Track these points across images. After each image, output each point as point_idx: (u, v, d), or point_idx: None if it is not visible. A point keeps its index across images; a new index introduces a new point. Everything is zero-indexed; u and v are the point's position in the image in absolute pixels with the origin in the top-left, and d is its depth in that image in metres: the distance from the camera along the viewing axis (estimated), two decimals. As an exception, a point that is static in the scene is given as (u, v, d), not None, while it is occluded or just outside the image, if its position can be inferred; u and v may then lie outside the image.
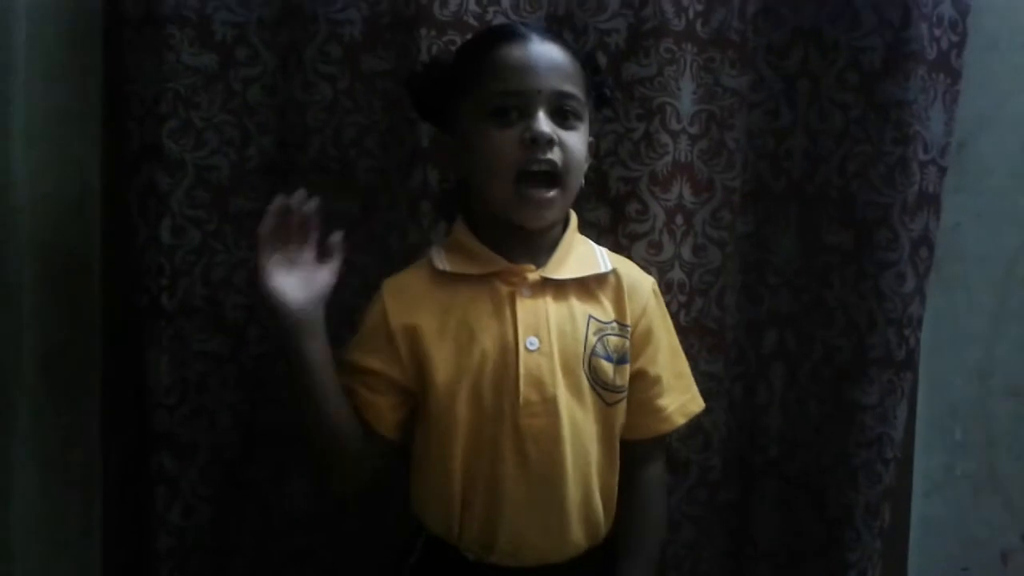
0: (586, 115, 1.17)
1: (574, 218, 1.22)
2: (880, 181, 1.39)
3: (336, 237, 1.17)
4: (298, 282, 1.12)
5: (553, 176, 1.12)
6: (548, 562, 1.14)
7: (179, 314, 1.37)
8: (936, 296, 1.48)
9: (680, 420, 1.21)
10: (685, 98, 1.38)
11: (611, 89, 1.31)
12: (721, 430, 1.44)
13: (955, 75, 1.43)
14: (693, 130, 1.40)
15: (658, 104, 1.37)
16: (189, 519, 1.39)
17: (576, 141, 1.14)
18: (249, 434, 1.41)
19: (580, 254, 1.20)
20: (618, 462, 1.18)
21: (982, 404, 1.57)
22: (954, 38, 1.42)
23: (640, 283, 1.22)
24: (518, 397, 1.11)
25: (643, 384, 1.19)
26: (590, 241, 1.24)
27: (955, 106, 1.44)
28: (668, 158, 1.38)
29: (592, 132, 1.22)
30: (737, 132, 1.43)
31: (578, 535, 1.14)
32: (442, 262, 1.17)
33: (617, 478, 1.19)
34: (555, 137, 1.11)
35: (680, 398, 1.22)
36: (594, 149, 1.26)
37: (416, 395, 1.17)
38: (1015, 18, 1.52)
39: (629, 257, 1.30)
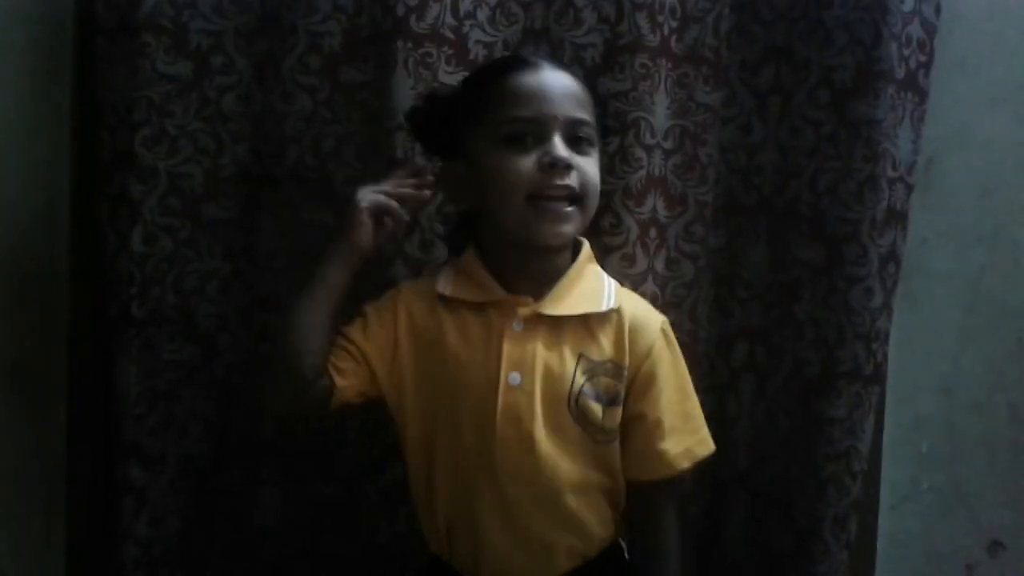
0: (597, 143, 1.16)
1: (586, 247, 1.20)
2: (850, 198, 1.41)
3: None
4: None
5: (572, 197, 1.11)
6: None
7: (149, 323, 1.35)
8: (903, 311, 1.50)
9: (683, 464, 1.15)
10: (659, 113, 1.40)
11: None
12: (691, 442, 1.45)
13: (922, 94, 1.45)
14: (667, 144, 1.41)
15: (632, 118, 1.38)
16: (157, 530, 1.37)
17: (591, 167, 1.13)
18: (220, 444, 1.40)
19: (585, 288, 1.16)
20: (609, 498, 1.15)
21: (948, 418, 1.59)
22: (922, 58, 1.44)
23: (646, 323, 1.16)
24: (495, 433, 1.10)
25: (642, 427, 1.14)
26: (603, 274, 1.20)
27: (922, 125, 1.46)
28: (642, 172, 1.39)
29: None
30: (710, 147, 1.44)
31: (565, 561, 1.13)
32: (445, 286, 1.16)
33: (609, 508, 1.16)
34: (572, 162, 1.10)
35: (686, 441, 1.16)
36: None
37: (384, 401, 1.16)
38: (979, 40, 1.55)
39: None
